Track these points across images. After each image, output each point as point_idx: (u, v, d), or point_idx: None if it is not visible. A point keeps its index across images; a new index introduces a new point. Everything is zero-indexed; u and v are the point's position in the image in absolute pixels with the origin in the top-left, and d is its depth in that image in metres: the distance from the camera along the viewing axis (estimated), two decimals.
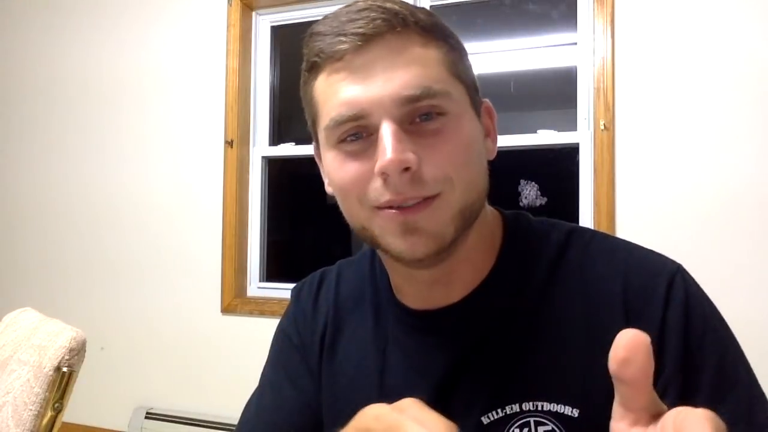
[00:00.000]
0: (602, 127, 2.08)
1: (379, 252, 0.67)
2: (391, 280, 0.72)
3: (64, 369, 1.07)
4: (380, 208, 0.59)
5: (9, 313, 1.35)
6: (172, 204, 2.72)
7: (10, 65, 3.08)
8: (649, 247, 0.66)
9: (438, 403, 0.61)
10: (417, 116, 0.58)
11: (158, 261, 2.73)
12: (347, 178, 0.60)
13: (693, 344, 0.58)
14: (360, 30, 0.57)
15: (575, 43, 2.25)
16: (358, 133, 0.59)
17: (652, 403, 0.36)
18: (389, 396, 0.66)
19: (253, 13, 2.72)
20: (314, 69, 0.61)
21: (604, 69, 2.09)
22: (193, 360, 2.64)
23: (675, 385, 0.57)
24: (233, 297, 2.59)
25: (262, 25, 2.73)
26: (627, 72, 2.07)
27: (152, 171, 2.76)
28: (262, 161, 2.70)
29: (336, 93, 0.59)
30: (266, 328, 2.19)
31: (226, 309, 2.59)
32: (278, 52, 2.77)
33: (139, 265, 2.76)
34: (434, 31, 0.61)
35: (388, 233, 0.60)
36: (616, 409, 0.38)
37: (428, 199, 0.58)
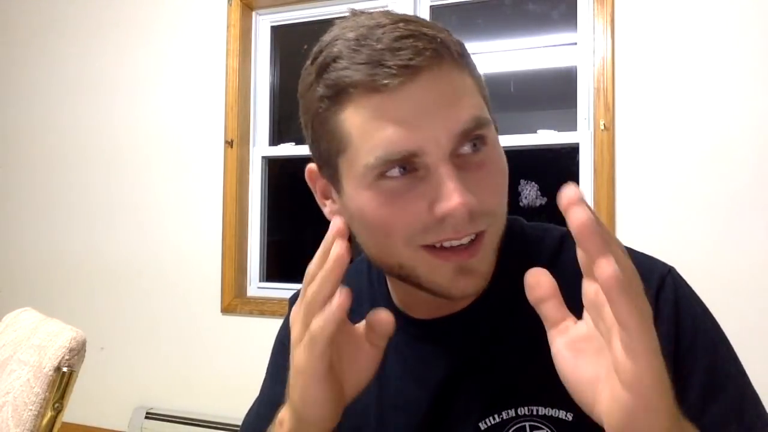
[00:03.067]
0: (602, 127, 2.08)
1: (400, 281, 0.65)
2: (391, 292, 0.71)
3: (64, 369, 1.06)
4: (429, 247, 0.57)
5: (9, 313, 1.34)
6: (172, 204, 2.72)
7: (8, 72, 3.08)
8: (641, 251, 0.66)
9: (436, 410, 0.66)
10: (461, 146, 0.56)
11: (158, 261, 2.74)
12: (394, 217, 0.57)
13: (683, 345, 0.59)
14: (405, 62, 0.53)
15: (575, 43, 2.25)
16: (401, 168, 0.56)
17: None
18: (387, 404, 0.69)
19: (253, 13, 2.72)
20: (343, 99, 0.57)
21: (604, 69, 2.09)
22: (193, 360, 2.65)
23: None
24: (233, 297, 2.60)
25: (262, 25, 2.73)
26: (627, 72, 2.07)
27: (152, 171, 2.76)
28: (262, 161, 2.71)
29: (382, 129, 0.55)
30: (266, 328, 2.17)
31: (226, 309, 2.59)
32: (278, 52, 2.77)
33: (139, 265, 2.76)
34: (465, 56, 0.59)
35: (438, 275, 0.59)
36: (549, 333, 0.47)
37: (479, 237, 0.57)
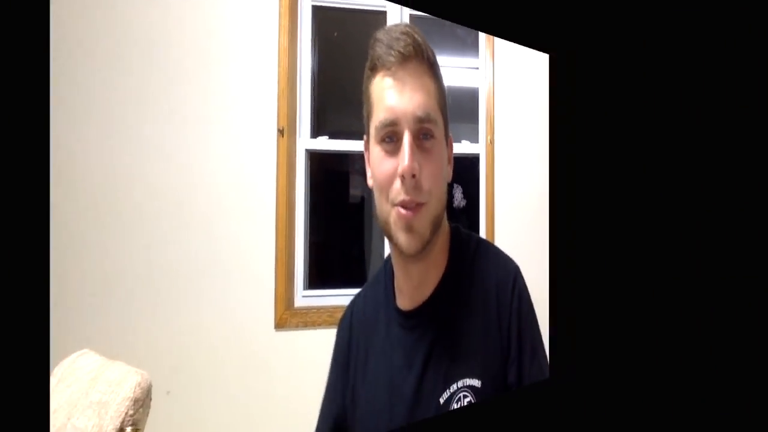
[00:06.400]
0: (488, 141, 2.37)
1: (390, 247, 0.74)
2: (395, 284, 0.80)
3: (128, 430, 0.98)
4: (397, 206, 0.68)
5: (64, 360, 1.17)
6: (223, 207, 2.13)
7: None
8: (494, 245, 0.80)
9: (418, 390, 0.74)
10: (420, 134, 0.67)
11: (210, 274, 2.13)
12: (383, 174, 0.68)
13: (523, 323, 0.73)
14: (402, 49, 0.66)
15: (477, 68, 2.46)
16: (392, 135, 0.67)
17: None
18: (395, 394, 0.76)
19: None
20: (374, 70, 0.70)
21: (490, 92, 2.38)
22: (252, 389, 2.16)
23: (515, 347, 0.73)
24: (284, 310, 2.13)
25: (305, 4, 2.31)
26: (504, 98, 2.38)
27: (203, 174, 2.13)
28: (305, 154, 2.28)
29: (384, 98, 0.67)
30: (315, 341, 2.02)
31: (279, 324, 2.15)
32: (318, 37, 2.39)
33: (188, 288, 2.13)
34: (435, 67, 0.71)
35: (397, 228, 0.69)
36: None
37: (419, 205, 0.68)
